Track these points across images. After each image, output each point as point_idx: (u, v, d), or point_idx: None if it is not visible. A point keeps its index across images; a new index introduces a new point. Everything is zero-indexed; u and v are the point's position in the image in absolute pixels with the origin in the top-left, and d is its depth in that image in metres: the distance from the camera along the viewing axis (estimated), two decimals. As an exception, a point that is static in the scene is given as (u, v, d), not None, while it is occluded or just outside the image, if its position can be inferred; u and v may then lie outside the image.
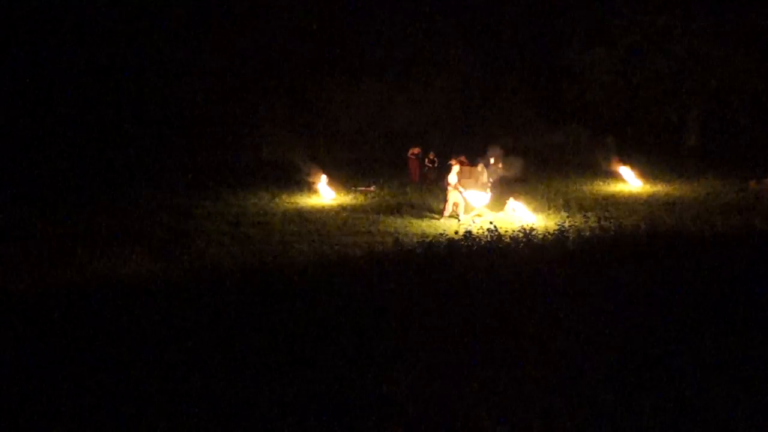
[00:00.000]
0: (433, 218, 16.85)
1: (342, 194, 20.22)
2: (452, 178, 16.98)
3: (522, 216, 16.43)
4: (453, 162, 17.47)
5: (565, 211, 16.95)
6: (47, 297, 10.19)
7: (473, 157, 18.97)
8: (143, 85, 27.15)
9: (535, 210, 17.16)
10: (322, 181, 20.21)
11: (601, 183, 21.57)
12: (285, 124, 27.78)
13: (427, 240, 12.06)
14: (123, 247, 13.95)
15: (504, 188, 18.85)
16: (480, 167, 21.95)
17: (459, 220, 16.35)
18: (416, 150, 22.68)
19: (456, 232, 12.44)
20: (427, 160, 22.44)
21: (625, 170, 21.83)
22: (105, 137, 26.04)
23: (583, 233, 12.92)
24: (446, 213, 16.87)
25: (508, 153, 21.13)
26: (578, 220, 14.82)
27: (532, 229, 12.47)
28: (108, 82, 26.88)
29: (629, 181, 21.40)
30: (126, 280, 10.89)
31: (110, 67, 27.04)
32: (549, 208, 17.47)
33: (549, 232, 12.61)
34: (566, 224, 13.34)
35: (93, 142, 25.63)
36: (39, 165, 24.05)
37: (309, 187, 20.48)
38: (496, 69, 30.82)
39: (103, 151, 25.32)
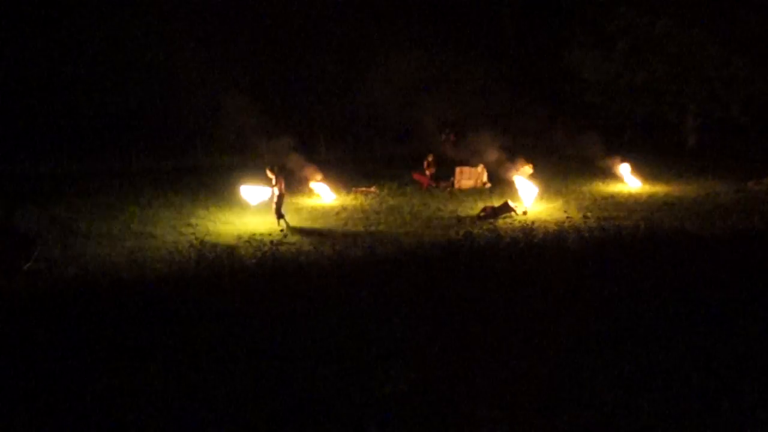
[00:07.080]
0: (441, 218, 16.75)
1: (342, 194, 20.23)
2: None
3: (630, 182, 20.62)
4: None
5: (564, 210, 16.98)
6: (46, 296, 10.22)
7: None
8: (144, 86, 27.22)
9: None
10: (321, 182, 20.20)
11: (600, 183, 21.60)
12: (285, 123, 27.79)
13: (427, 240, 12.10)
14: (124, 247, 14.07)
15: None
16: (480, 167, 22.04)
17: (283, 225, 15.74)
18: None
19: (456, 232, 12.48)
20: (426, 162, 22.53)
21: (624, 170, 21.87)
22: (104, 137, 26.11)
23: (582, 233, 12.96)
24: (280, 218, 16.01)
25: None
26: (578, 220, 14.85)
27: (531, 230, 12.49)
28: (107, 83, 26.97)
29: (629, 181, 21.43)
30: (128, 280, 10.92)
31: (110, 69, 27.13)
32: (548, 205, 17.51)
33: (548, 232, 12.64)
34: (566, 224, 13.38)
35: (93, 142, 25.70)
36: (39, 165, 24.14)
37: (308, 188, 20.47)
38: (496, 69, 30.86)
39: (103, 151, 25.38)
